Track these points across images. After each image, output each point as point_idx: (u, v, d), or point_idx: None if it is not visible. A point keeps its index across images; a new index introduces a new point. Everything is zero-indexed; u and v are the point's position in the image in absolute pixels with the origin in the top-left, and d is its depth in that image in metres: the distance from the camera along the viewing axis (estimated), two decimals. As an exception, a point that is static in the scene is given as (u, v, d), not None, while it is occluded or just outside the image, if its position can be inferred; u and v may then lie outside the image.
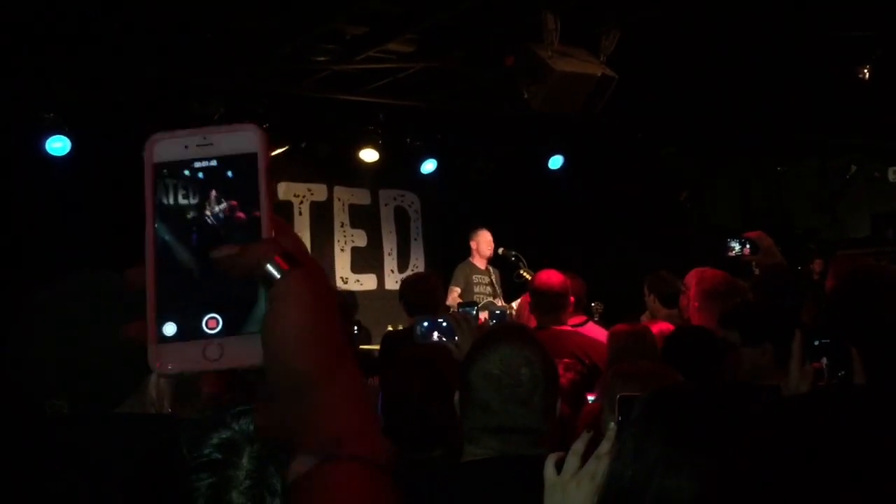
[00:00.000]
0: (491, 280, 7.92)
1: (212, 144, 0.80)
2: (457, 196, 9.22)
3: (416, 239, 9.68)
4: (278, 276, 0.76)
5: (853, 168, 10.66)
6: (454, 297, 7.44)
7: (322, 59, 6.97)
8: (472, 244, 7.97)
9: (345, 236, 9.17)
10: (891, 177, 10.57)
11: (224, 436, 1.07)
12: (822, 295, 4.71)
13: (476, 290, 7.75)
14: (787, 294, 4.04)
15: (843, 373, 2.47)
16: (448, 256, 8.45)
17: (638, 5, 5.98)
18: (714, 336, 3.56)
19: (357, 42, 6.69)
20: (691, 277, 5.09)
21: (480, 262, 7.96)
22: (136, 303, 0.80)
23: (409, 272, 9.13)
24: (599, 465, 1.60)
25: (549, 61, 5.98)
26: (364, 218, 9.35)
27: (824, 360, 2.52)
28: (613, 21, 6.16)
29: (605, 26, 6.20)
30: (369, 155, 8.36)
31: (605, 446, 1.63)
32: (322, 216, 9.00)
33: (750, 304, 4.05)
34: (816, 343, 2.53)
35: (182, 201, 0.79)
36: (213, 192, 0.79)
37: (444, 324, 3.46)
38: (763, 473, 0.87)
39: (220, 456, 1.06)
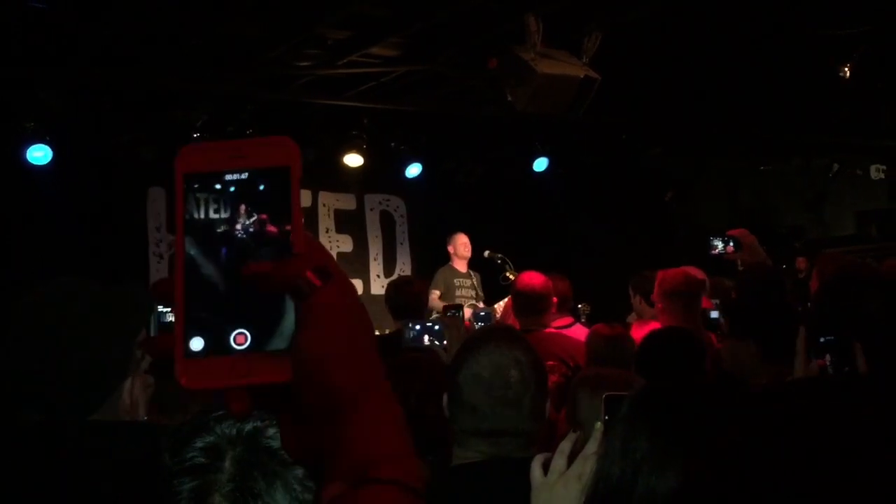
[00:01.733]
0: (473, 283, 7.93)
1: (244, 157, 0.79)
2: (442, 199, 9.21)
3: (402, 243, 9.67)
4: (311, 293, 0.74)
5: (836, 167, 10.72)
6: (433, 299, 7.44)
7: (305, 64, 6.95)
8: (450, 248, 8.00)
9: (330, 241, 9.14)
10: (873, 175, 10.64)
11: (208, 440, 1.06)
12: (807, 293, 4.73)
13: (458, 293, 7.76)
14: (771, 292, 4.04)
15: (847, 369, 2.47)
16: (434, 260, 8.44)
17: (620, 7, 6.00)
18: (693, 335, 3.56)
19: (340, 46, 6.68)
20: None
21: (461, 266, 7.97)
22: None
23: (395, 277, 9.11)
24: (586, 465, 1.59)
25: (532, 63, 5.99)
26: (349, 223, 9.33)
27: (828, 357, 2.51)
28: (596, 23, 6.18)
29: (587, 28, 6.21)
30: (354, 160, 8.35)
31: (591, 446, 1.62)
32: (307, 222, 8.91)
33: (742, 297, 4.06)
34: (821, 340, 2.53)
35: (212, 214, 0.78)
36: (244, 206, 0.78)
37: (435, 327, 3.45)
38: (745, 468, 0.86)
39: (203, 460, 1.05)
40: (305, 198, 8.98)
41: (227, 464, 1.05)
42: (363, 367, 0.76)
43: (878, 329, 2.64)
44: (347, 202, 9.36)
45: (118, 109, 7.17)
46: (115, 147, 7.43)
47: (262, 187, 0.78)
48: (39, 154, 6.96)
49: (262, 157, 0.79)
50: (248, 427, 1.07)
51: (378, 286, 9.17)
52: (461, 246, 7.93)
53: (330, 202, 9.21)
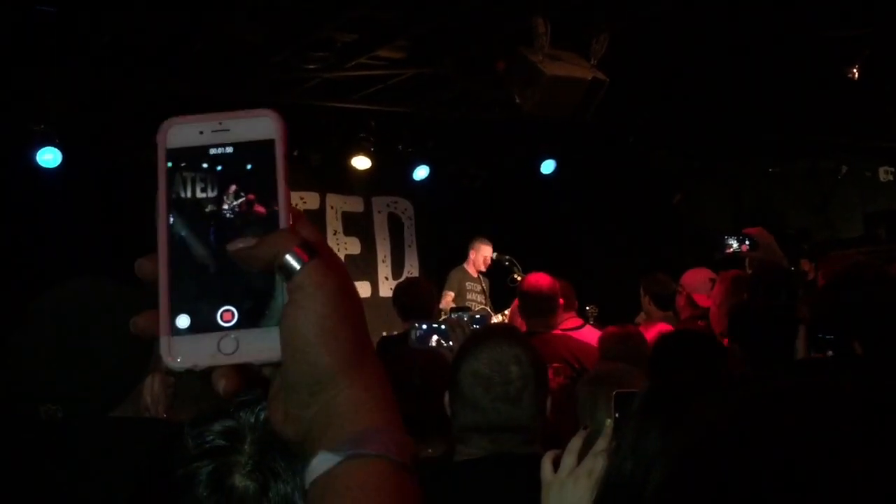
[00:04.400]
0: (483, 288, 7.95)
1: (228, 130, 0.77)
2: (450, 202, 9.22)
3: (409, 245, 9.67)
4: (298, 268, 0.73)
5: (844, 168, 10.68)
6: (448, 300, 7.46)
7: (313, 66, 6.96)
8: (472, 253, 7.99)
9: (338, 244, 9.15)
10: (882, 176, 10.61)
11: (227, 424, 1.07)
12: (815, 294, 4.70)
13: (468, 296, 7.78)
14: (782, 293, 4.03)
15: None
16: (442, 262, 8.45)
17: (628, 8, 5.99)
18: (712, 338, 3.54)
19: (348, 49, 6.69)
20: (687, 278, 5.09)
21: (473, 270, 7.98)
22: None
23: (403, 279, 9.13)
24: (596, 462, 1.59)
25: (540, 65, 5.99)
26: (357, 225, 9.34)
27: (829, 354, 2.52)
28: (603, 25, 6.18)
29: (595, 30, 6.21)
30: (361, 162, 8.36)
31: (601, 443, 1.63)
32: (315, 224, 8.97)
33: (748, 305, 4.03)
34: (820, 337, 2.53)
35: (196, 189, 0.76)
36: (228, 180, 0.76)
37: (441, 328, 3.45)
38: (749, 459, 0.86)
39: (223, 442, 1.05)
40: (313, 200, 9.00)
41: (246, 446, 1.05)
42: (351, 343, 0.75)
43: (881, 326, 2.64)
44: (355, 205, 9.37)
45: (127, 112, 7.19)
46: (125, 150, 7.45)
47: (246, 162, 0.77)
48: (49, 157, 7.00)
49: (246, 130, 0.78)
50: (264, 415, 1.06)
51: (386, 288, 9.18)
52: (482, 259, 7.92)
53: (338, 204, 9.22)
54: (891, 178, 10.65)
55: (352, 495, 0.72)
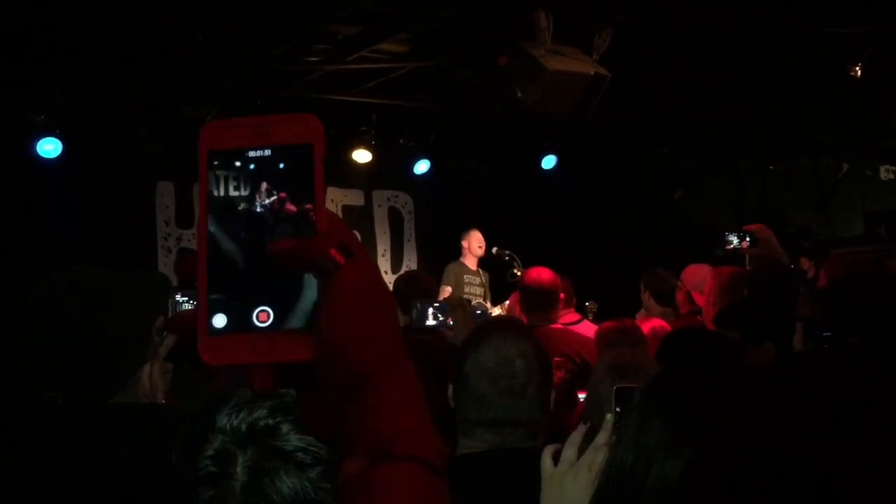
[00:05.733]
0: (482, 281, 7.95)
1: (268, 134, 0.79)
2: (450, 196, 9.21)
3: (409, 240, 9.67)
4: (335, 271, 0.74)
5: (845, 167, 10.68)
6: (445, 295, 7.45)
7: (314, 59, 6.96)
8: (464, 244, 8.02)
9: (338, 237, 9.14)
10: (883, 175, 10.60)
11: (216, 446, 1.04)
12: (815, 292, 4.70)
13: (467, 290, 7.77)
14: (782, 290, 4.02)
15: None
16: (441, 257, 8.44)
17: (631, 4, 5.99)
18: (720, 335, 3.52)
19: (349, 42, 6.69)
20: (687, 275, 5.09)
21: (472, 263, 7.98)
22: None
23: (402, 273, 9.13)
24: (596, 455, 1.59)
25: (543, 60, 5.98)
26: (357, 219, 9.33)
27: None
28: (606, 20, 6.17)
29: (597, 25, 6.20)
30: (362, 156, 8.35)
31: (602, 437, 1.63)
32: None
33: (748, 302, 4.02)
34: (818, 334, 2.53)
35: (234, 192, 0.78)
36: (267, 184, 0.77)
37: (442, 306, 3.46)
38: (751, 455, 0.86)
39: (214, 469, 1.04)
40: None
41: (238, 470, 1.03)
42: (385, 345, 0.76)
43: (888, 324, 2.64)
44: (355, 198, 9.36)
45: (128, 104, 7.18)
46: (125, 141, 7.45)
47: (284, 165, 0.78)
48: (49, 147, 6.99)
49: (285, 134, 0.79)
50: (261, 424, 1.04)
51: (386, 282, 9.18)
52: (476, 242, 7.94)
53: (338, 198, 9.21)
54: (891, 176, 10.65)
55: (384, 497, 0.73)
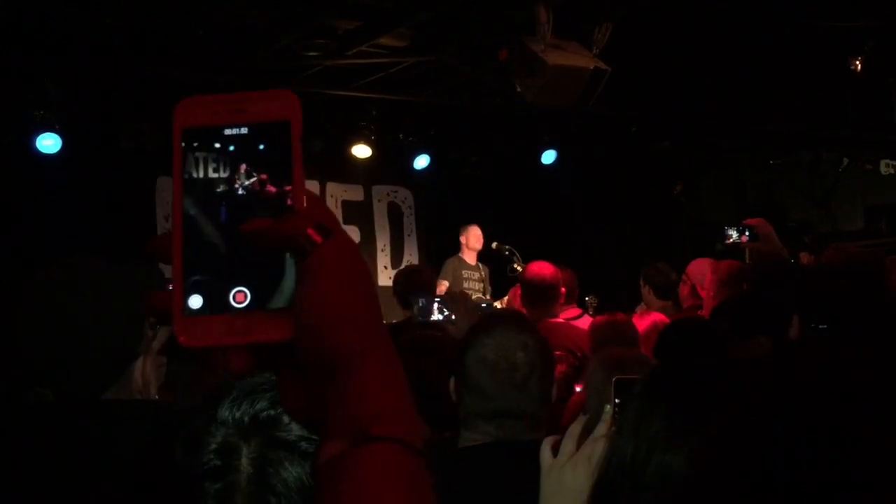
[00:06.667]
0: (481, 276, 7.94)
1: (244, 111, 0.77)
2: (450, 191, 9.20)
3: (409, 235, 9.66)
4: (312, 250, 0.73)
5: (846, 161, 10.67)
6: (442, 290, 7.45)
7: (313, 54, 6.94)
8: (462, 238, 8.01)
9: (338, 233, 9.14)
10: (883, 169, 10.59)
11: (220, 439, 1.04)
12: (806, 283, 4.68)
13: (465, 285, 7.76)
14: (782, 284, 4.02)
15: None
16: (441, 252, 8.44)
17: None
18: (713, 326, 3.53)
19: (349, 37, 6.67)
20: (693, 269, 5.07)
21: (470, 258, 7.97)
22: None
23: (402, 268, 9.13)
24: (596, 447, 1.58)
25: (542, 55, 5.97)
26: (357, 214, 9.33)
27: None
28: (606, 14, 6.16)
29: (597, 19, 6.19)
30: (362, 151, 8.34)
31: (601, 429, 1.62)
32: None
33: (745, 296, 4.02)
34: (813, 327, 2.53)
35: (211, 170, 0.76)
36: (244, 161, 0.76)
37: (444, 300, 3.45)
38: (755, 444, 0.85)
39: (219, 462, 1.03)
40: (313, 189, 8.76)
41: (243, 462, 1.02)
42: (363, 325, 0.75)
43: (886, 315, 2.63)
44: (355, 193, 9.36)
45: (127, 98, 7.17)
46: (124, 136, 7.44)
47: (261, 143, 0.76)
48: (49, 142, 6.98)
49: (261, 111, 0.77)
50: (263, 415, 1.04)
51: (385, 277, 9.17)
52: (473, 237, 7.93)
53: (337, 193, 9.21)
54: (892, 171, 10.63)
55: (363, 478, 0.72)
